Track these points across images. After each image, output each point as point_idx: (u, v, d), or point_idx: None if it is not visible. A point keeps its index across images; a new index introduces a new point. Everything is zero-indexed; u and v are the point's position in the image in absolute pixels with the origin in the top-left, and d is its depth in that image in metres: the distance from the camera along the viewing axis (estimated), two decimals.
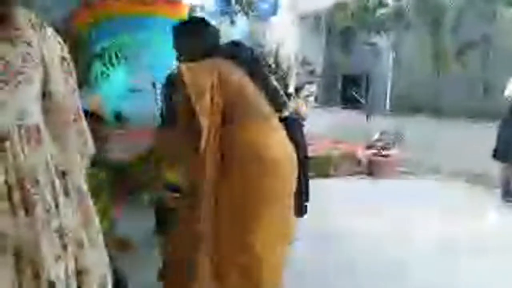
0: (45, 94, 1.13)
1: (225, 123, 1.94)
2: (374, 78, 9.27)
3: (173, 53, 2.35)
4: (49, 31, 1.20)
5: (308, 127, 5.14)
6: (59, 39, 1.25)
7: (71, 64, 1.26)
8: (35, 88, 1.10)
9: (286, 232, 2.09)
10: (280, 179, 1.99)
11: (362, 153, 6.69)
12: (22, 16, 1.12)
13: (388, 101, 8.97)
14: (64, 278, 1.08)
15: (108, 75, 6.83)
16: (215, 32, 2.23)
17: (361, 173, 6.51)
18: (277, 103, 2.15)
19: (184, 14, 7.54)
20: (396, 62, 8.84)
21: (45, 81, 1.13)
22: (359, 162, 6.60)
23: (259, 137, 1.97)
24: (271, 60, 8.68)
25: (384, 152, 6.66)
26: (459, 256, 3.45)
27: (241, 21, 8.28)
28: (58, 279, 1.06)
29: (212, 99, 1.90)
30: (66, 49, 1.25)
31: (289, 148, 2.10)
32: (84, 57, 5.37)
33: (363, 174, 6.48)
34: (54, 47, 1.19)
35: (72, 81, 1.25)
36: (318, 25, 10.06)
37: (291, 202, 2.12)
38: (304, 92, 8.93)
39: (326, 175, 6.23)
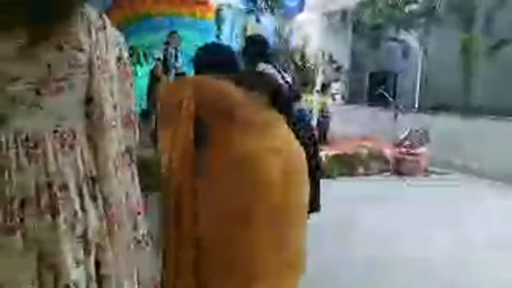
0: (87, 100, 1.12)
1: (204, 142, 1.69)
2: (402, 76, 9.12)
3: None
4: (110, 31, 1.16)
5: (335, 125, 5.14)
6: (120, 39, 1.21)
7: (127, 66, 1.22)
8: (78, 94, 1.09)
9: (293, 261, 1.80)
10: (276, 191, 1.71)
11: (390, 152, 6.61)
12: (80, 18, 1.09)
13: (416, 99, 8.81)
14: (84, 284, 1.08)
15: (136, 74, 6.93)
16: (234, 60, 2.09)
17: (388, 171, 6.44)
18: (280, 102, 1.91)
19: (211, 14, 7.59)
20: (425, 59, 8.66)
21: (89, 87, 1.11)
22: (386, 160, 6.52)
23: (252, 143, 1.71)
24: (297, 58, 8.65)
25: (412, 151, 6.57)
26: None
27: (267, 19, 8.27)
28: (76, 284, 1.06)
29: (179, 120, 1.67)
30: (124, 50, 1.22)
31: (297, 154, 1.85)
32: None
33: (391, 173, 6.41)
34: (111, 49, 1.16)
35: (128, 85, 1.22)
36: (345, 22, 9.94)
37: (298, 220, 1.83)
38: (330, 90, 8.88)
39: (354, 174, 6.18)
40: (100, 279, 1.13)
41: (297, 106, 4.23)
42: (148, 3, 6.38)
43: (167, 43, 6.00)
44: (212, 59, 2.00)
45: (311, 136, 3.45)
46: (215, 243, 1.70)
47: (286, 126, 1.90)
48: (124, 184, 1.19)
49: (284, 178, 1.74)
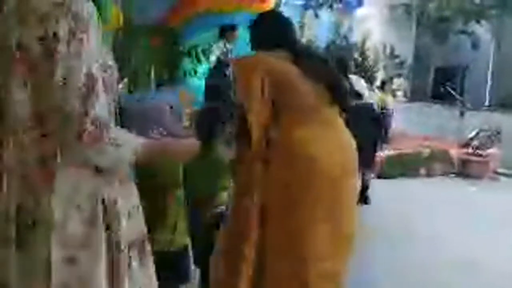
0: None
1: (274, 122, 1.83)
2: (471, 71, 8.57)
3: None
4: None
5: (396, 123, 4.93)
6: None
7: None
8: None
9: (345, 246, 1.90)
10: (327, 180, 1.81)
11: (456, 152, 6.24)
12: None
13: (486, 95, 8.25)
14: None
15: (196, 71, 7.07)
16: (283, 24, 2.14)
17: (453, 173, 6.08)
18: (339, 96, 2.01)
19: (270, 9, 7.55)
20: (498, 53, 8.07)
21: None
22: (451, 161, 6.16)
23: (306, 134, 1.82)
24: (356, 53, 8.41)
25: (480, 152, 6.15)
26: None
27: (326, 13, 8.11)
28: None
29: (262, 95, 1.80)
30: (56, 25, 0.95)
31: (348, 148, 1.92)
32: (173, 54, 5.59)
33: (455, 175, 6.05)
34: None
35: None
36: (409, 14, 9.51)
37: (350, 212, 1.92)
38: (391, 86, 8.57)
39: (415, 175, 5.90)
40: None
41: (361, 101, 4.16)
42: (207, 0, 6.46)
43: (223, 37, 5.97)
44: (272, 30, 2.04)
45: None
46: (278, 209, 1.81)
47: (342, 121, 1.97)
48: None
49: (339, 171, 1.83)
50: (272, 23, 2.09)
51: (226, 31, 6.03)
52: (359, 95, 4.07)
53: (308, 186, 1.80)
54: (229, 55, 6.24)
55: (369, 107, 4.39)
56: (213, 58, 6.17)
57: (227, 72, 6.24)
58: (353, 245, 1.93)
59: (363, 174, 4.36)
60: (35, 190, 0.98)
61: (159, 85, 5.17)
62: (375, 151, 4.43)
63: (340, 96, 2.01)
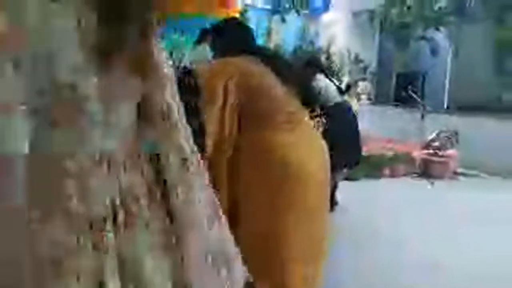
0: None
1: (244, 127, 1.83)
2: (431, 75, 8.90)
3: None
4: None
5: (360, 126, 5.06)
6: None
7: None
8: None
9: (320, 251, 1.93)
10: (305, 186, 1.83)
11: (418, 154, 6.47)
12: None
13: (445, 99, 8.59)
14: None
15: None
16: (247, 31, 2.17)
17: (415, 174, 6.30)
18: (309, 99, 2.03)
19: (234, 15, 7.61)
20: (456, 58, 8.43)
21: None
22: (414, 162, 6.39)
23: (282, 139, 1.83)
24: (322, 58, 8.57)
25: (440, 153, 6.40)
26: None
27: (293, 18, 8.23)
28: None
29: (225, 102, 1.80)
30: None
31: (318, 150, 1.95)
32: None
33: (418, 175, 6.27)
34: None
35: None
36: (372, 21, 9.79)
37: (323, 216, 1.94)
38: (356, 89, 8.77)
39: (380, 176, 6.08)
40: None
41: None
42: (173, 3, 6.40)
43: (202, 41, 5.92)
44: (237, 37, 2.05)
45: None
46: (249, 211, 1.81)
47: (312, 125, 2.06)
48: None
49: (311, 175, 1.84)
50: (237, 29, 2.12)
51: (205, 35, 5.96)
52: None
53: (280, 190, 1.80)
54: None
55: (347, 107, 4.54)
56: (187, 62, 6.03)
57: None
58: (326, 249, 1.97)
59: (334, 176, 4.45)
60: None
61: None
62: (360, 148, 4.55)
63: (311, 97, 2.04)
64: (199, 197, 1.10)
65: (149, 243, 1.03)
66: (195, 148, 1.13)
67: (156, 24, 1.07)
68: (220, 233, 1.16)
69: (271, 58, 2.05)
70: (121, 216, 1.00)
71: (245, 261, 1.77)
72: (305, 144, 1.90)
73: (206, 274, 1.11)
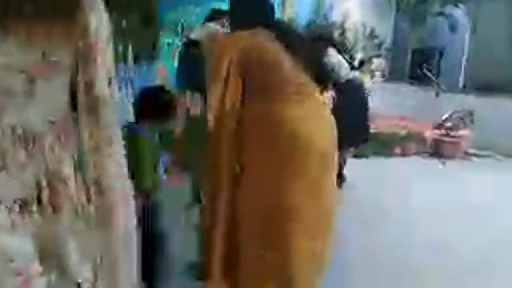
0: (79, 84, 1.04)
1: (253, 99, 1.83)
2: (447, 53, 8.68)
3: None
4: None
5: (373, 103, 4.99)
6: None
7: None
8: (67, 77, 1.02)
9: (327, 227, 1.92)
10: (313, 161, 1.82)
11: (429, 133, 6.36)
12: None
13: (462, 78, 8.39)
14: (92, 279, 1.06)
15: (171, 44, 6.83)
16: (265, 2, 2.11)
17: (426, 153, 6.21)
18: (321, 75, 2.01)
19: None
20: (473, 36, 8.19)
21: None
22: (425, 142, 6.29)
23: (292, 113, 1.82)
24: (336, 33, 8.39)
25: (452, 133, 6.28)
26: None
27: None
28: (84, 280, 1.05)
29: (227, 76, 1.79)
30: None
31: (327, 125, 1.93)
32: (154, 30, 5.44)
33: (429, 154, 6.19)
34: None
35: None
36: None
37: (331, 191, 1.93)
38: (370, 66, 8.62)
39: (390, 154, 6.00)
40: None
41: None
42: None
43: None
44: (251, 9, 2.01)
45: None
46: (256, 179, 1.81)
47: (322, 99, 2.01)
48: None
49: (319, 149, 1.83)
50: (251, 1, 2.06)
51: (217, 16, 5.79)
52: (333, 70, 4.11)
53: (288, 164, 1.80)
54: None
55: (358, 84, 4.47)
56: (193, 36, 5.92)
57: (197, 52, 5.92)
58: (334, 225, 1.96)
59: (342, 153, 4.41)
60: None
61: (136, 59, 5.04)
62: (368, 127, 4.51)
63: (323, 74, 2.02)
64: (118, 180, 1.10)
65: (74, 223, 1.03)
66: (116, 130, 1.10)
67: None
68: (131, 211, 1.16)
69: (285, 32, 2.02)
70: (46, 197, 0.98)
71: (252, 233, 1.80)
72: (314, 118, 1.89)
73: (127, 250, 1.13)
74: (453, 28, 8.33)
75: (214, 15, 5.88)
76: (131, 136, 1.78)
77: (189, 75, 3.87)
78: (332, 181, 1.97)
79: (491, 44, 7.62)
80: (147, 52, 5.20)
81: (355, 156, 5.11)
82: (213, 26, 5.88)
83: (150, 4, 5.32)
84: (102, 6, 1.06)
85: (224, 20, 5.90)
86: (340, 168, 4.38)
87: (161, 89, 2.22)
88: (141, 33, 5.09)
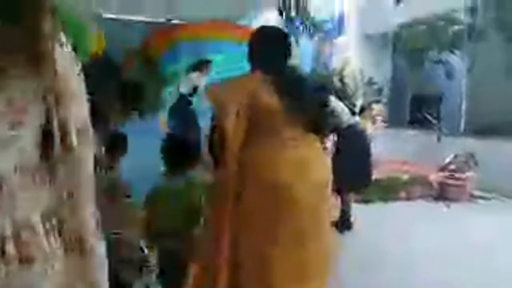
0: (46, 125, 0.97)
1: (245, 144, 1.87)
2: (446, 97, 8.85)
3: (240, 71, 2.34)
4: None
5: (375, 149, 5.05)
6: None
7: None
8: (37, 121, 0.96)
9: (315, 271, 1.91)
10: (296, 207, 1.85)
11: (434, 176, 6.37)
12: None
13: (462, 122, 8.50)
14: None
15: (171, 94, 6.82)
16: (279, 44, 2.12)
17: (431, 196, 6.19)
18: (322, 124, 2.04)
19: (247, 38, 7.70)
20: (471, 81, 8.38)
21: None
22: (430, 185, 6.29)
23: (276, 160, 1.86)
24: (336, 80, 8.60)
25: (457, 175, 6.30)
26: None
27: (307, 41, 8.30)
28: None
29: (238, 114, 1.84)
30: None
31: (318, 175, 1.93)
32: (157, 81, 5.55)
33: (434, 198, 6.16)
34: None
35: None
36: (386, 43, 9.83)
37: (317, 238, 1.92)
38: (371, 112, 8.74)
39: (395, 198, 5.98)
40: None
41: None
42: (190, 27, 6.47)
43: (197, 70, 5.90)
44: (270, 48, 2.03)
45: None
46: (249, 232, 1.85)
47: (318, 146, 2.00)
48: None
49: (308, 197, 1.86)
50: (268, 43, 2.06)
51: (200, 64, 6.02)
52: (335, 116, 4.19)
53: (270, 212, 1.84)
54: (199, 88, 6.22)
55: (359, 129, 4.53)
56: (183, 89, 6.02)
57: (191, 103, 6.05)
58: (326, 269, 1.96)
59: (343, 197, 4.40)
60: None
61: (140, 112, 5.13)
62: (369, 172, 4.52)
63: (323, 121, 2.05)
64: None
65: (45, 273, 0.96)
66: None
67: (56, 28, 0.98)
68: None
69: (288, 79, 2.04)
70: (11, 249, 0.91)
71: (248, 276, 1.81)
72: (301, 165, 1.90)
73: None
74: (449, 75, 8.52)
75: (199, 64, 6.11)
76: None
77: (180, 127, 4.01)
78: (319, 229, 1.96)
79: (487, 85, 7.78)
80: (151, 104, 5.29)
81: (361, 201, 5.12)
82: (195, 76, 6.12)
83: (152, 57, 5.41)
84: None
85: (206, 69, 6.14)
86: (344, 213, 4.37)
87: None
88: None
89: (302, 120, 1.92)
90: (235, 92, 1.92)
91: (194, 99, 5.95)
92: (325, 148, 2.15)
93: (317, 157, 1.98)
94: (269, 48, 2.03)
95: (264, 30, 2.19)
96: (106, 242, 1.13)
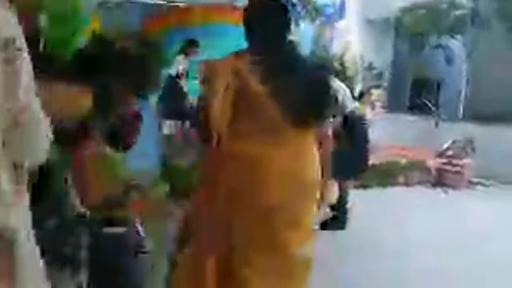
0: None
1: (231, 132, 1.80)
2: (446, 83, 8.82)
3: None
4: None
5: (373, 134, 5.05)
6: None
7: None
8: None
9: (287, 267, 1.84)
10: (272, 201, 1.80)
11: (432, 162, 6.38)
12: None
13: (461, 107, 8.49)
14: None
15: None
16: (278, 18, 1.91)
17: (429, 182, 6.22)
18: (321, 106, 1.90)
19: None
20: (471, 66, 8.33)
21: None
22: (428, 171, 6.30)
23: (253, 150, 1.79)
24: (336, 64, 8.54)
25: (454, 162, 6.31)
26: None
27: (307, 25, 8.21)
28: None
29: (227, 87, 1.75)
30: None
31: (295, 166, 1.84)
32: (156, 64, 5.48)
33: (432, 184, 6.19)
34: None
35: None
36: (386, 28, 9.73)
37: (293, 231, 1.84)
38: (370, 97, 8.70)
39: (393, 184, 6.00)
40: None
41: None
42: (190, 11, 6.42)
43: (183, 53, 5.84)
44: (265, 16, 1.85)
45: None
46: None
47: (308, 141, 1.88)
48: None
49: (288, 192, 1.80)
50: (267, 16, 1.85)
51: (186, 47, 5.95)
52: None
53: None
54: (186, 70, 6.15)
55: (358, 116, 4.50)
56: (172, 71, 5.94)
57: (181, 85, 6.00)
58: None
59: (341, 184, 4.39)
60: None
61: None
62: (366, 159, 4.49)
63: (324, 104, 1.93)
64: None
65: None
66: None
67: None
68: None
69: (289, 60, 1.89)
70: None
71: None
72: (286, 160, 1.83)
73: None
74: (449, 60, 8.47)
75: (186, 47, 6.03)
76: None
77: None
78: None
79: (487, 72, 7.75)
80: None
81: (360, 186, 5.13)
82: (181, 58, 6.12)
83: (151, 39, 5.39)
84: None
85: (193, 51, 6.09)
86: (341, 198, 4.36)
87: None
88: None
89: (296, 107, 1.77)
90: (225, 67, 1.82)
91: (182, 82, 5.92)
92: (327, 136, 2.06)
93: (304, 156, 1.87)
94: (265, 23, 1.85)
95: (260, 1, 1.95)
96: None
